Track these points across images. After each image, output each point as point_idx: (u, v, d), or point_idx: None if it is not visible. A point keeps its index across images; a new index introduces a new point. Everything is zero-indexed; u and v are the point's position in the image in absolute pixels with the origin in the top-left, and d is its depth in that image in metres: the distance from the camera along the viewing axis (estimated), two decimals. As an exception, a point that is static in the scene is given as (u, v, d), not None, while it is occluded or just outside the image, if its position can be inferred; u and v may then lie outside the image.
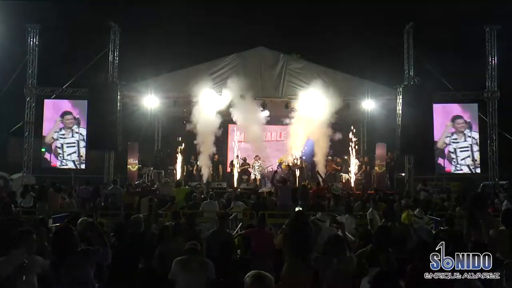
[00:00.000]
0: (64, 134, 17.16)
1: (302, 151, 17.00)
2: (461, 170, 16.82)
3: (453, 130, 16.79)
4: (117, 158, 17.18)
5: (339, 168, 17.50)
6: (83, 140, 16.91)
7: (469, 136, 16.72)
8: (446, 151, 16.84)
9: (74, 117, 17.15)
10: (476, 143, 16.69)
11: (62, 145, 17.15)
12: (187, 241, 5.02)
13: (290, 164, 16.14)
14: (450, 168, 16.92)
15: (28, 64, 16.77)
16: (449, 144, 16.75)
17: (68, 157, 17.15)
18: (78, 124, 17.11)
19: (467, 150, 16.70)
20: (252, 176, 17.30)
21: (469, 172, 16.79)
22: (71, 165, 17.12)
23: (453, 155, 16.78)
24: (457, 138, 16.80)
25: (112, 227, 6.74)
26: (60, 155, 17.15)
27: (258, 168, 17.30)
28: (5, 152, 21.41)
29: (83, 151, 17.07)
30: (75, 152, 17.13)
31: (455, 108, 17.01)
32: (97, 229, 4.35)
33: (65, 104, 17.33)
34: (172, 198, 11.01)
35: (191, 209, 10.09)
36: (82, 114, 16.98)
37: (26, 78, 16.82)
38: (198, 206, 10.47)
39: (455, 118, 16.81)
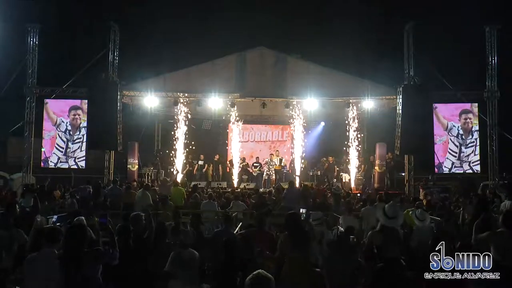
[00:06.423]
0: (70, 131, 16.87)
1: (303, 148, 16.99)
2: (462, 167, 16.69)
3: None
4: (117, 158, 17.17)
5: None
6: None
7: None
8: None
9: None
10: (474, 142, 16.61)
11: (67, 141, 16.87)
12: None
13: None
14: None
15: (28, 64, 16.70)
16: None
17: (71, 154, 16.88)
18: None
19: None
20: (271, 176, 17.20)
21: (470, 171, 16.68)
22: (71, 163, 16.87)
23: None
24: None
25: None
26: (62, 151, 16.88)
27: (272, 165, 17.28)
28: (5, 152, 21.41)
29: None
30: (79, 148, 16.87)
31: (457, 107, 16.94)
32: (109, 229, 4.48)
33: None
34: (165, 197, 10.92)
35: (192, 207, 10.14)
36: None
37: (26, 78, 16.77)
38: (199, 206, 10.49)
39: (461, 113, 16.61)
